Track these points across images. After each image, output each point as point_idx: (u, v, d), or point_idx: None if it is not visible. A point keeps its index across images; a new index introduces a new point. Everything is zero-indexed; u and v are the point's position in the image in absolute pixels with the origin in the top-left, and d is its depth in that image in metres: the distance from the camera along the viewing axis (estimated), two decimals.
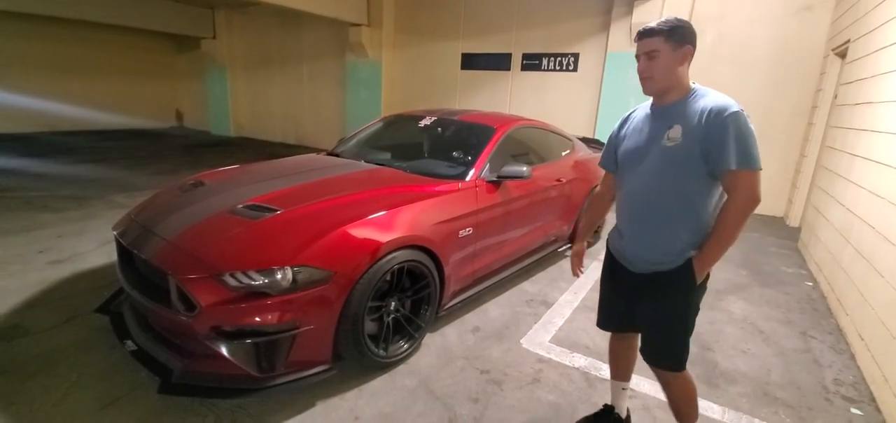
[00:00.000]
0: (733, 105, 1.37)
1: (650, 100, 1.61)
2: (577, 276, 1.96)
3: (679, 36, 1.44)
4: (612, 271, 1.76)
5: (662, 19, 1.47)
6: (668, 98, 1.51)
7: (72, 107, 11.30)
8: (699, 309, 1.58)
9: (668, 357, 1.61)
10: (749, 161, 1.35)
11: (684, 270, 1.49)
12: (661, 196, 1.51)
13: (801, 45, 5.72)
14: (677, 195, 1.48)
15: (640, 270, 1.60)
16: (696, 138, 1.40)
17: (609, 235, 1.80)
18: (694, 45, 1.46)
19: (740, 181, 1.37)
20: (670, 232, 1.51)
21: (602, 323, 1.89)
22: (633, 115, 1.69)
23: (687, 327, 1.56)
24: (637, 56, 1.51)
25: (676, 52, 1.44)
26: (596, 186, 4.20)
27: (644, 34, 1.47)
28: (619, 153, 1.70)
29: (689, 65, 1.49)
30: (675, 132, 1.45)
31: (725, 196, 1.46)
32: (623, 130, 1.70)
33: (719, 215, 1.45)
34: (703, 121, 1.39)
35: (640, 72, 1.51)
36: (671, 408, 1.73)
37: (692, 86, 1.50)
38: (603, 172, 1.87)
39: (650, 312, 1.62)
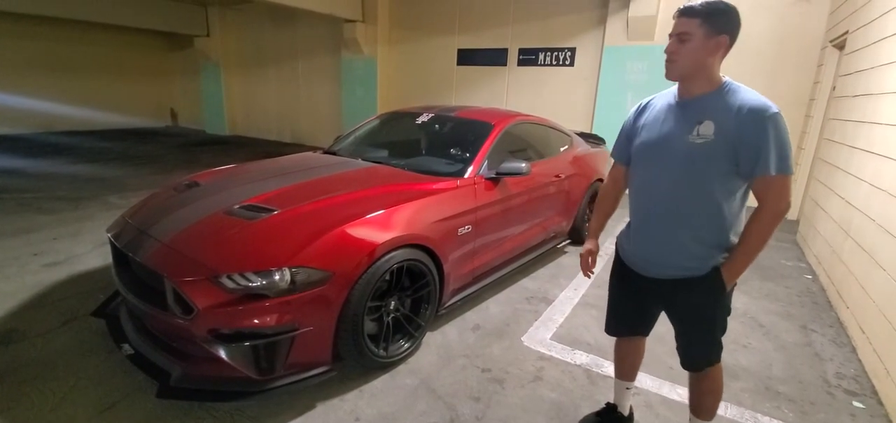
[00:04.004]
0: (772, 105, 1.28)
1: (674, 89, 1.48)
2: (589, 277, 1.82)
3: (717, 23, 1.31)
4: (622, 275, 1.67)
5: (706, 0, 1.33)
6: (697, 89, 1.39)
7: (65, 106, 11.24)
8: (730, 309, 1.51)
9: (705, 361, 1.56)
10: (786, 166, 1.28)
11: (711, 278, 1.41)
12: (684, 195, 1.40)
13: (798, 37, 5.71)
14: (702, 195, 1.38)
15: (658, 275, 1.51)
16: (730, 137, 1.30)
17: (618, 236, 1.71)
18: (732, 37, 1.34)
19: (776, 187, 1.30)
20: (692, 235, 1.41)
21: (611, 329, 1.80)
22: (653, 104, 1.55)
23: (719, 328, 1.50)
24: (670, 35, 1.40)
25: (709, 40, 1.32)
26: (595, 182, 4.21)
27: (681, 13, 1.35)
28: (634, 145, 1.56)
29: (722, 57, 1.36)
30: (707, 128, 1.33)
31: (745, 198, 1.40)
32: (640, 120, 1.56)
33: (752, 220, 1.37)
34: (740, 120, 1.29)
35: (666, 52, 1.39)
36: (693, 401, 1.68)
37: (723, 79, 1.38)
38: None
39: (680, 322, 1.56)
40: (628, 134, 1.61)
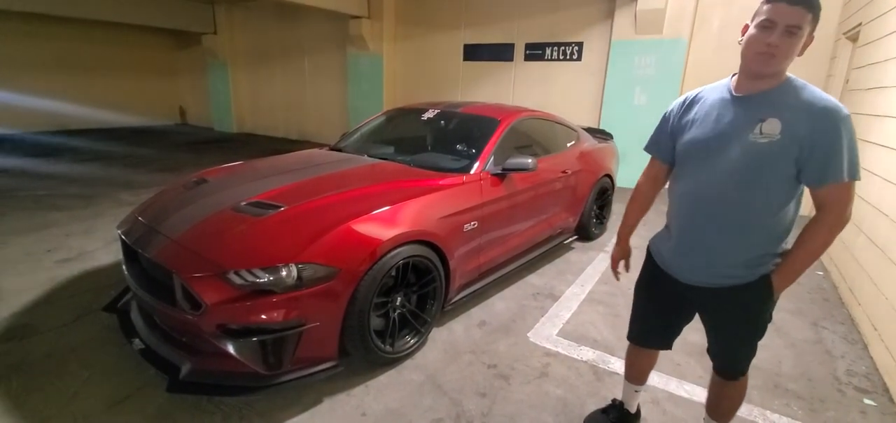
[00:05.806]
0: (843, 107, 1.18)
1: (726, 82, 1.36)
2: (618, 279, 1.77)
3: (818, 17, 1.19)
4: (654, 280, 1.58)
5: None
6: (763, 84, 1.26)
7: (76, 106, 11.39)
8: (772, 317, 1.43)
9: (741, 369, 1.52)
10: (858, 171, 1.19)
11: (759, 287, 1.33)
12: (739, 199, 1.29)
13: None
14: (759, 199, 1.27)
15: (700, 282, 1.41)
16: (797, 138, 1.19)
17: (652, 240, 1.61)
18: None
19: (846, 193, 1.20)
20: (745, 241, 1.32)
21: (635, 337, 1.74)
22: (703, 97, 1.41)
23: (759, 337, 1.44)
24: (767, 22, 1.19)
25: (809, 35, 1.21)
26: (602, 177, 4.18)
27: (795, 1, 1.16)
28: (681, 142, 1.43)
29: None
30: (772, 126, 1.21)
31: (799, 205, 1.32)
32: (689, 115, 1.42)
33: (812, 227, 1.27)
34: (811, 121, 1.18)
35: (768, 44, 1.19)
36: (712, 404, 1.64)
37: (787, 74, 1.27)
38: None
39: (719, 330, 1.50)
40: (672, 130, 1.48)
